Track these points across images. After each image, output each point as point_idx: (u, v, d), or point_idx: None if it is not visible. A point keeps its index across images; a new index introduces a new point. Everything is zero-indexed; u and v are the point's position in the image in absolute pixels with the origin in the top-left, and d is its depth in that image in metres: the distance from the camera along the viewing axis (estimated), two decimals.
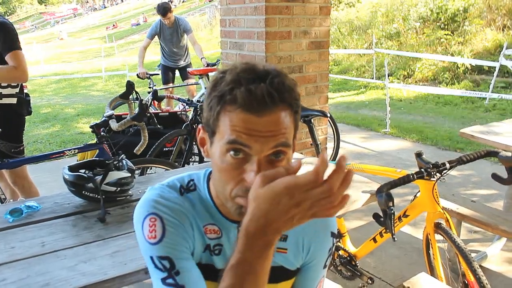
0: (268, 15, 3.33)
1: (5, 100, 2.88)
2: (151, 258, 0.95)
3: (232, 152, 0.88)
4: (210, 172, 1.05)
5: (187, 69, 6.25)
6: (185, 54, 6.48)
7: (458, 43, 10.24)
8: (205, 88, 5.87)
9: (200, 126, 1.01)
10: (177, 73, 6.58)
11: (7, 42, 2.71)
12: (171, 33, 6.16)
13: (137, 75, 6.12)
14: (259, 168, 0.86)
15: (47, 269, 1.44)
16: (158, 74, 6.41)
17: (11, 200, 3.10)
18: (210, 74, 6.00)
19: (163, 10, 5.86)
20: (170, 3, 6.04)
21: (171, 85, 6.49)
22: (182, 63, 6.44)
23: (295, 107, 0.91)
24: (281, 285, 1.10)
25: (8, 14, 59.47)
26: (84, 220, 1.81)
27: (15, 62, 2.71)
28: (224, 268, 0.84)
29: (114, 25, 37.45)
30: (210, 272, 1.03)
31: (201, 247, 1.02)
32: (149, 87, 6.02)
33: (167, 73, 6.49)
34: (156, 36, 6.27)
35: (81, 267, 1.45)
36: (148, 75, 6.08)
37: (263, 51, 3.39)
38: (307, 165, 2.47)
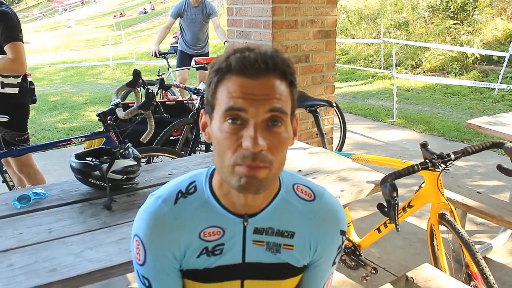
0: (275, 4, 3.31)
1: (7, 90, 2.89)
2: (137, 271, 1.06)
3: (229, 120, 0.89)
4: (214, 169, 1.05)
5: (194, 58, 6.04)
6: (205, 41, 6.22)
7: (468, 32, 10.13)
8: None
9: (202, 111, 1.02)
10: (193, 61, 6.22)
11: (6, 32, 2.67)
12: (195, 13, 5.88)
13: (150, 52, 6.00)
14: (256, 133, 0.87)
15: (54, 255, 1.46)
16: (173, 53, 6.27)
17: (19, 187, 3.13)
18: None
19: None
20: None
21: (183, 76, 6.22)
22: (200, 50, 6.19)
23: (289, 78, 0.94)
24: (287, 282, 1.10)
25: (16, 2, 59.52)
26: (91, 208, 1.83)
27: (12, 53, 2.68)
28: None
29: (121, 13, 37.35)
30: (207, 275, 1.04)
31: (195, 253, 1.02)
32: (158, 75, 6.01)
33: (183, 59, 6.22)
34: (178, 18, 6.00)
35: (87, 254, 1.47)
36: (161, 54, 5.94)
37: (270, 40, 3.38)
38: (312, 155, 2.47)
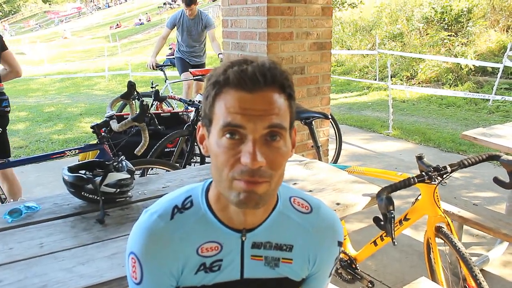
0: (270, 16, 3.32)
1: None
2: None
3: (228, 135, 0.88)
4: (210, 183, 1.03)
5: (189, 69, 5.95)
6: (202, 52, 6.21)
7: (462, 44, 10.20)
8: None
9: (199, 123, 1.00)
10: None
11: None
12: (191, 25, 5.90)
13: (147, 64, 5.97)
14: (254, 149, 0.86)
15: (44, 270, 1.43)
16: (169, 65, 6.26)
17: (11, 200, 3.09)
18: None
19: (189, 0, 5.60)
20: None
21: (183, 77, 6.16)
22: (197, 60, 6.19)
23: (288, 91, 0.92)
24: None
25: (12, 13, 59.61)
26: (83, 221, 1.81)
27: None
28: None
29: (117, 25, 37.49)
30: None
31: (192, 270, 1.00)
32: (151, 87, 5.99)
33: (184, 66, 6.15)
34: (175, 28, 5.99)
35: (79, 269, 1.44)
36: (157, 67, 5.89)
37: (265, 52, 3.39)
38: (308, 167, 2.46)
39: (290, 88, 0.93)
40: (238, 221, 0.99)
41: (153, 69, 5.95)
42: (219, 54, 5.75)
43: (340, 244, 1.10)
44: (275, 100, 0.89)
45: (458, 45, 10.21)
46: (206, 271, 1.00)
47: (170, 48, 14.25)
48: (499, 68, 8.31)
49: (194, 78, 5.75)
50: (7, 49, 3.24)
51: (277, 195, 1.04)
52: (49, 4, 70.16)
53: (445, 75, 9.65)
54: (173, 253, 0.98)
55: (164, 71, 6.15)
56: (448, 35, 10.46)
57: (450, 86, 9.36)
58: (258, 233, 1.01)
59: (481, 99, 8.10)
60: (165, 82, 6.17)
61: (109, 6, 57.05)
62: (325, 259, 1.08)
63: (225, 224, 1.00)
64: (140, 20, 35.33)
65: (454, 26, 10.71)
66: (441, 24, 10.93)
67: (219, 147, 0.89)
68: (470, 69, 9.38)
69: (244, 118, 0.86)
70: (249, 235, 1.00)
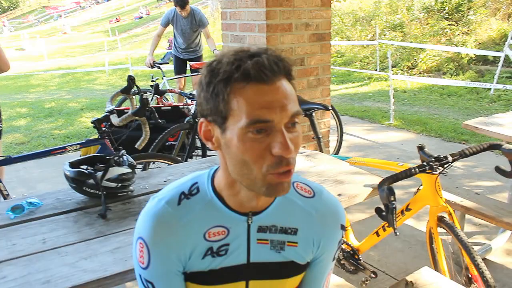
0: (268, 8, 3.31)
1: None
2: (140, 275, 1.04)
3: (254, 131, 0.88)
4: (216, 170, 1.05)
5: (190, 63, 6.11)
6: (198, 46, 6.30)
7: (463, 33, 10.16)
8: None
9: (201, 120, 0.99)
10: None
11: None
12: (185, 23, 5.96)
13: (145, 63, 6.06)
14: (285, 138, 0.88)
15: (48, 266, 1.44)
16: (167, 63, 6.29)
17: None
18: None
19: (181, 2, 5.67)
20: None
21: (179, 80, 6.31)
22: (193, 54, 6.28)
23: (291, 77, 0.95)
24: (291, 280, 1.10)
25: (11, 8, 59.49)
26: (86, 216, 1.81)
27: None
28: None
29: (117, 19, 37.33)
30: (212, 276, 1.03)
31: (200, 255, 1.02)
32: (152, 81, 6.00)
33: (180, 65, 6.34)
34: (170, 25, 6.07)
35: (82, 264, 1.45)
36: (155, 65, 5.94)
37: (264, 44, 3.37)
38: (309, 158, 2.46)
39: (293, 76, 0.96)
40: (248, 206, 1.01)
41: (151, 67, 5.99)
42: (214, 50, 5.87)
43: (342, 227, 1.12)
44: (288, 88, 0.92)
45: (458, 34, 10.17)
46: (213, 256, 1.02)
47: (169, 43, 14.21)
48: (500, 57, 8.27)
49: (193, 74, 5.80)
50: None
51: None
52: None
53: (446, 64, 9.62)
54: (180, 239, 1.00)
55: (161, 69, 6.13)
56: (449, 24, 10.42)
57: (451, 75, 9.33)
58: (263, 216, 1.03)
59: (482, 88, 8.07)
60: (163, 78, 6.15)
61: (108, 0, 56.85)
62: (328, 242, 1.10)
63: (231, 208, 1.02)
64: (141, 13, 35.19)
65: (455, 15, 10.67)
66: (441, 14, 10.89)
67: (245, 143, 0.89)
68: (471, 58, 9.34)
69: (270, 112, 0.88)
70: (255, 218, 1.03)
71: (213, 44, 5.95)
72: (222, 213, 1.02)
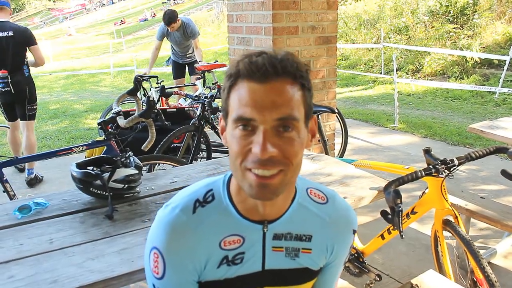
0: (275, 10, 3.31)
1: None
2: (153, 285, 1.02)
3: (240, 126, 0.89)
4: (231, 176, 1.04)
5: (195, 65, 6.35)
6: (193, 52, 6.70)
7: (468, 36, 10.13)
8: (203, 87, 5.99)
9: (221, 115, 1.01)
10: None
11: None
12: (178, 35, 6.38)
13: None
14: (265, 140, 0.87)
15: (55, 266, 1.45)
16: (156, 77, 6.33)
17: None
18: (216, 70, 6.07)
19: (167, 20, 6.06)
20: (176, 12, 6.26)
21: (176, 88, 6.51)
22: (189, 59, 6.72)
23: (303, 82, 0.92)
24: (305, 286, 1.10)
25: (17, 10, 59.77)
26: (92, 217, 1.82)
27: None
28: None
29: (122, 21, 37.45)
30: (227, 285, 1.03)
31: (215, 264, 1.01)
32: (157, 83, 6.04)
33: (177, 69, 6.82)
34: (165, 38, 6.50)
35: (89, 264, 1.46)
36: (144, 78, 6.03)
37: (271, 47, 3.38)
38: (315, 161, 2.46)
39: (303, 78, 0.92)
40: (258, 213, 1.00)
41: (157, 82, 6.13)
42: (199, 61, 6.28)
43: (354, 232, 1.13)
44: (286, 91, 0.89)
45: (463, 38, 10.15)
46: (229, 264, 1.01)
47: None
48: (505, 60, 8.24)
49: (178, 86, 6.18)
50: (36, 44, 4.56)
51: (295, 187, 1.06)
52: (53, 1, 70.24)
53: (451, 68, 9.60)
54: (196, 248, 0.98)
55: (150, 82, 6.09)
56: (454, 28, 10.40)
57: (456, 79, 9.31)
58: (279, 224, 1.02)
59: (487, 92, 8.05)
60: (150, 89, 6.10)
61: (113, 3, 57.05)
62: (341, 247, 1.11)
63: (246, 217, 1.01)
64: (145, 16, 35.30)
65: (460, 19, 10.64)
66: (446, 17, 10.86)
67: (233, 138, 0.91)
68: (476, 61, 9.32)
69: (254, 111, 0.87)
70: (271, 226, 1.02)
71: (200, 55, 6.42)
72: (238, 221, 1.01)
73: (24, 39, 4.48)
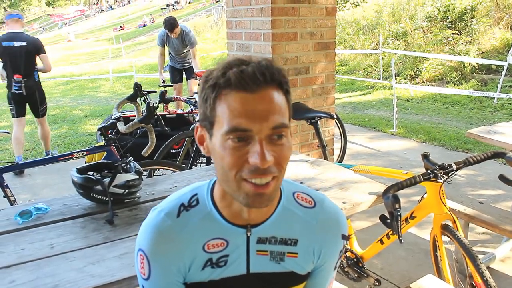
0: (274, 17, 3.33)
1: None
2: (142, 286, 1.06)
3: (234, 138, 0.89)
4: (215, 181, 1.05)
5: (194, 70, 6.45)
6: (191, 58, 6.83)
7: (466, 42, 10.18)
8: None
9: (197, 124, 1.01)
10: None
11: None
12: (177, 42, 6.53)
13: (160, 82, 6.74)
14: (262, 149, 0.87)
15: (56, 271, 1.45)
16: (155, 92, 6.37)
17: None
18: None
19: (170, 26, 6.20)
20: (176, 19, 6.44)
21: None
22: (187, 65, 6.87)
23: (285, 87, 0.93)
24: None
25: None
26: (93, 222, 1.83)
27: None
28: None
29: (121, 27, 37.53)
30: (213, 287, 1.04)
31: (199, 266, 1.02)
32: (159, 86, 6.13)
33: (175, 74, 6.98)
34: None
35: (89, 269, 1.47)
36: (162, 84, 6.36)
37: (270, 53, 3.40)
38: (314, 166, 2.47)
39: (287, 84, 0.94)
40: (243, 217, 1.01)
41: (161, 85, 6.36)
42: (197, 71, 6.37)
43: (344, 237, 1.11)
44: (275, 98, 0.90)
45: (462, 43, 10.20)
46: (213, 267, 1.02)
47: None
48: (503, 66, 8.28)
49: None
50: (45, 53, 5.29)
51: (280, 190, 1.06)
52: (53, 7, 70.32)
53: (449, 73, 9.64)
54: (180, 250, 1.01)
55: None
56: (452, 34, 10.44)
57: (455, 84, 9.34)
58: (263, 228, 1.03)
59: (485, 97, 8.08)
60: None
61: (112, 8, 57.17)
62: (329, 252, 1.10)
63: (230, 221, 1.02)
64: (145, 22, 35.37)
65: (458, 24, 10.69)
66: (444, 23, 10.91)
67: (225, 149, 0.90)
68: (474, 67, 9.35)
69: (249, 121, 0.87)
70: (254, 230, 1.02)
71: (197, 66, 6.54)
72: (221, 225, 1.02)
73: (35, 48, 5.15)
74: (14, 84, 5.07)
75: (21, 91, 5.10)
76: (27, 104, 5.31)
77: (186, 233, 1.01)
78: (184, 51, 6.69)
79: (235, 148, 0.89)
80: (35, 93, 5.23)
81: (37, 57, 5.21)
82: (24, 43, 5.09)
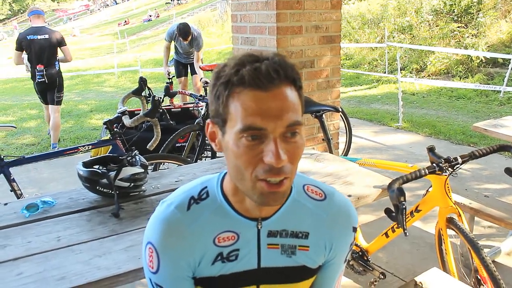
0: (279, 10, 3.32)
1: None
2: (150, 279, 1.04)
3: (248, 137, 0.88)
4: (225, 174, 1.04)
5: (199, 65, 6.46)
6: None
7: (472, 35, 10.11)
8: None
9: (208, 120, 1.00)
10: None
11: None
12: (184, 44, 6.61)
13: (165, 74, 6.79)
14: (277, 148, 0.87)
15: (62, 263, 1.47)
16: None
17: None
18: None
19: (184, 35, 6.26)
20: (190, 27, 6.42)
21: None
22: (192, 60, 6.91)
23: (298, 83, 0.93)
24: (302, 284, 1.10)
25: (22, 11, 59.95)
26: (99, 215, 1.84)
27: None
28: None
29: (126, 21, 37.49)
30: (223, 282, 1.03)
31: (210, 261, 1.01)
32: (168, 78, 6.37)
33: (180, 68, 7.05)
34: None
35: (96, 261, 1.48)
36: (168, 77, 6.47)
37: (275, 46, 3.39)
38: (319, 160, 2.47)
39: (299, 80, 0.93)
40: (254, 212, 1.01)
41: (169, 78, 6.49)
42: (201, 78, 6.26)
43: (354, 229, 1.11)
44: (289, 96, 0.89)
45: (468, 37, 10.12)
46: (223, 261, 1.01)
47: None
48: (510, 59, 8.21)
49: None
50: (65, 45, 5.90)
51: None
52: (57, 2, 70.38)
53: (455, 67, 9.58)
54: (190, 244, 1.00)
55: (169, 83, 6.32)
56: (458, 27, 10.37)
57: (461, 78, 9.29)
58: (273, 221, 1.02)
59: (492, 91, 8.03)
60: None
61: (116, 3, 57.11)
62: (340, 245, 1.09)
63: (241, 213, 1.01)
64: (150, 16, 35.34)
65: (464, 18, 10.61)
66: (450, 16, 10.84)
67: (239, 148, 0.89)
68: (481, 60, 9.29)
69: (264, 120, 0.86)
70: (265, 223, 1.02)
71: (201, 74, 6.46)
72: (232, 218, 1.01)
73: (56, 40, 5.74)
74: (37, 73, 5.60)
75: (43, 79, 5.63)
76: (47, 91, 5.85)
77: (196, 227, 1.00)
78: (191, 50, 6.80)
79: (249, 146, 0.88)
80: (56, 81, 5.77)
81: (59, 49, 5.79)
82: (47, 36, 5.63)
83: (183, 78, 7.05)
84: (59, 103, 5.97)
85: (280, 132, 0.87)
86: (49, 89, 5.80)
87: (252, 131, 0.87)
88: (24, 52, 5.67)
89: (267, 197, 0.90)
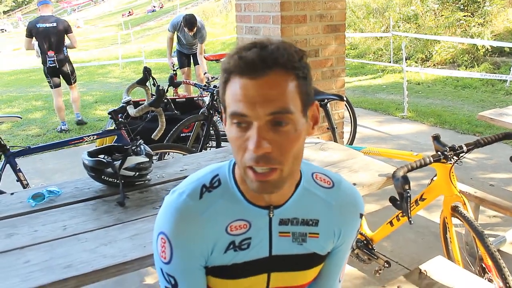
0: None
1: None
2: (161, 269, 1.03)
3: (235, 123, 0.89)
4: (235, 162, 1.04)
5: (204, 55, 6.54)
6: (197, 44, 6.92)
7: (478, 24, 10.02)
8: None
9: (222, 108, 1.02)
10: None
11: None
12: (187, 35, 6.65)
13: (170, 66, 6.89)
14: (258, 136, 0.86)
15: (68, 251, 1.48)
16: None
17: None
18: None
19: (190, 26, 6.30)
20: (195, 18, 6.46)
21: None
22: (195, 50, 6.97)
23: (298, 73, 0.89)
24: (312, 271, 1.11)
25: (25, 3, 59.94)
26: (104, 204, 1.85)
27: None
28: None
29: (130, 12, 37.43)
30: (235, 271, 1.04)
31: (222, 249, 1.01)
32: (173, 70, 6.53)
33: (183, 59, 7.10)
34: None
35: (101, 250, 1.49)
36: (173, 69, 6.66)
37: (279, 35, 3.38)
38: (324, 149, 2.47)
39: (296, 68, 0.89)
40: (264, 199, 1.01)
41: (173, 69, 6.65)
42: (204, 73, 6.36)
43: (361, 216, 1.12)
44: (278, 84, 0.87)
45: (474, 26, 10.03)
46: (236, 250, 1.01)
47: None
48: None
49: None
50: (72, 32, 6.40)
51: (300, 171, 1.05)
52: None
53: (461, 56, 9.50)
54: (203, 233, 0.99)
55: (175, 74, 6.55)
56: (464, 16, 10.28)
57: (466, 67, 9.22)
58: (284, 209, 1.02)
59: (498, 80, 7.97)
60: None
61: None
62: (348, 231, 1.10)
63: (252, 202, 1.01)
64: (153, 7, 35.24)
65: (470, 6, 10.50)
66: (456, 5, 10.73)
67: (231, 133, 0.91)
68: (487, 49, 9.21)
69: (246, 106, 0.86)
70: (276, 211, 1.02)
71: (204, 67, 6.68)
72: (244, 206, 1.01)
73: (64, 28, 6.23)
74: (48, 59, 6.11)
75: (54, 64, 6.15)
76: (60, 75, 6.33)
77: (209, 215, 0.99)
78: (194, 41, 6.81)
79: (238, 133, 0.89)
80: (66, 65, 6.30)
81: (66, 36, 6.26)
82: (55, 24, 6.13)
83: (186, 68, 7.09)
84: (74, 81, 6.56)
85: (264, 120, 0.86)
86: (61, 73, 6.31)
87: (237, 117, 0.88)
88: (34, 38, 6.12)
89: (257, 185, 0.90)
